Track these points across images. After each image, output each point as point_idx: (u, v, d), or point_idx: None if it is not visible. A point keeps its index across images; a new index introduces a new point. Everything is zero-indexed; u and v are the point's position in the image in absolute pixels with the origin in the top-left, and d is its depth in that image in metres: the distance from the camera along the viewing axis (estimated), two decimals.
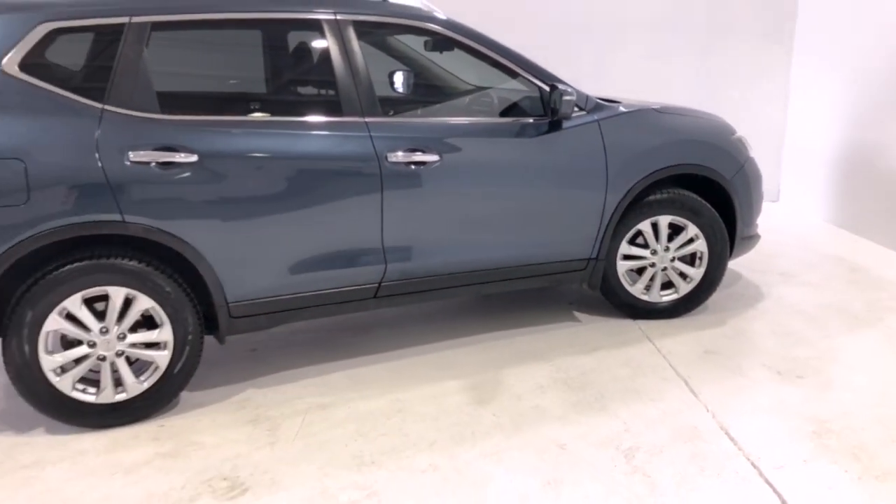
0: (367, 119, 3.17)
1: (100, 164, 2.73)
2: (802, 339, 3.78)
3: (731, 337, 3.82)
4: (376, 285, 3.31)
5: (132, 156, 2.78)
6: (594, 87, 4.91)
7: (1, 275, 2.69)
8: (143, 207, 2.81)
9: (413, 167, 3.22)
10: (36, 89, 2.72)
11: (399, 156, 3.18)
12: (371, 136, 3.15)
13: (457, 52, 3.49)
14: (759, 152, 6.35)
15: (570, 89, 3.44)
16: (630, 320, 4.00)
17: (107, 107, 2.79)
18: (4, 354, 2.80)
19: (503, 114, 3.71)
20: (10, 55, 2.70)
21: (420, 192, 3.25)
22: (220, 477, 2.63)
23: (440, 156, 3.26)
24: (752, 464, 2.67)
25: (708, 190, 3.96)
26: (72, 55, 2.87)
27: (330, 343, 3.78)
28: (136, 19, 2.87)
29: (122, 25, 2.86)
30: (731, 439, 2.84)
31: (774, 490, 2.51)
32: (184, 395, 3.17)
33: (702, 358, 3.56)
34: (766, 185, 6.55)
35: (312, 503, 2.47)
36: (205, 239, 2.93)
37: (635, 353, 3.61)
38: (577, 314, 4.13)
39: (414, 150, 3.21)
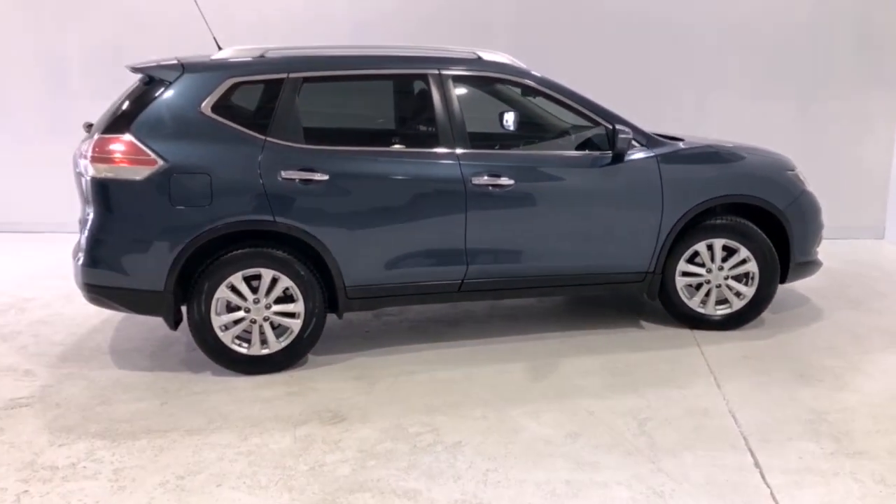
0: (457, 150, 4.07)
1: (261, 180, 3.81)
2: (838, 352, 4.22)
3: (774, 347, 4.31)
4: (459, 281, 4.17)
5: (283, 174, 3.84)
6: (695, 129, 5.58)
7: (190, 255, 3.81)
8: (289, 211, 3.85)
9: (491, 189, 4.07)
10: (221, 125, 3.85)
11: (481, 179, 4.05)
12: (460, 164, 4.05)
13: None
14: (864, 192, 6.68)
15: (626, 129, 4.16)
16: (688, 330, 4.58)
17: (268, 138, 3.87)
18: (188, 315, 3.92)
19: (578, 147, 4.45)
20: (206, 100, 3.85)
21: (496, 209, 4.10)
22: (326, 409, 3.58)
23: (514, 180, 4.09)
24: (744, 437, 3.25)
25: (763, 218, 4.49)
26: (246, 101, 3.99)
27: (427, 330, 4.67)
28: (291, 75, 3.96)
29: (281, 80, 3.95)
30: (734, 419, 3.42)
31: (753, 455, 3.09)
32: (310, 356, 4.17)
33: (738, 361, 4.11)
34: (870, 223, 6.84)
35: (388, 431, 3.35)
36: (331, 237, 3.93)
37: (680, 354, 4.22)
38: (643, 322, 4.76)
39: (492, 175, 4.07)
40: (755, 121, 6.88)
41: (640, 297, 5.05)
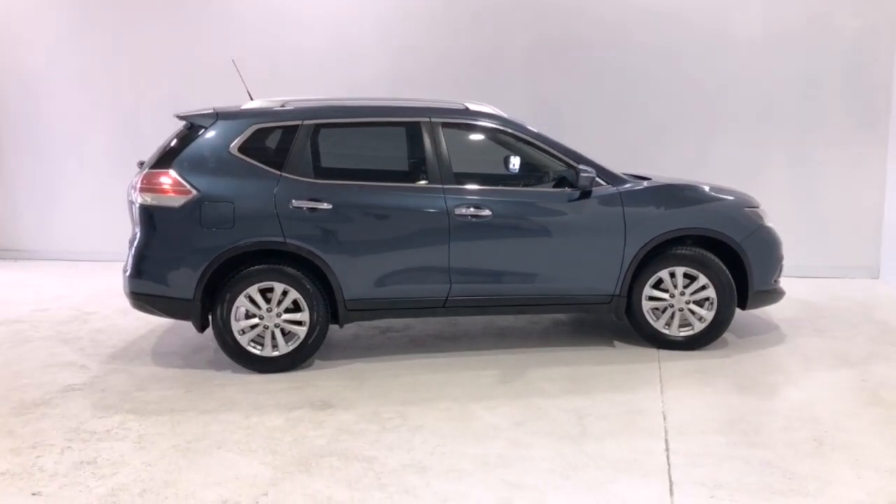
0: (444, 185, 4.77)
1: (275, 208, 4.58)
2: (783, 370, 4.67)
3: (726, 365, 4.78)
4: (444, 298, 4.82)
5: (294, 203, 4.60)
6: (695, 173, 6.16)
7: (215, 270, 4.58)
8: (297, 234, 4.60)
9: (471, 218, 4.73)
10: (245, 162, 4.65)
11: (462, 210, 4.73)
12: (445, 197, 4.74)
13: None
14: (857, 235, 7.07)
15: (590, 168, 4.78)
16: (654, 349, 5.08)
17: (283, 174, 4.65)
18: (213, 321, 4.68)
19: (553, 185, 5.06)
20: (234, 142, 4.67)
21: (476, 236, 4.75)
22: (318, 400, 4.25)
23: (492, 211, 4.75)
24: (665, 430, 3.76)
25: (725, 250, 5.00)
26: (267, 143, 4.78)
27: (424, 343, 5.31)
28: (305, 122, 4.76)
29: (297, 126, 4.75)
30: (664, 417, 3.93)
31: (666, 443, 3.60)
32: (316, 360, 4.87)
33: (688, 374, 4.60)
34: (865, 264, 7.18)
35: (365, 416, 3.99)
36: (333, 256, 4.65)
37: (640, 368, 4.74)
38: (615, 342, 5.29)
39: (473, 207, 4.74)
40: (752, 166, 7.36)
41: (609, 319, 5.60)
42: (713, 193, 5.16)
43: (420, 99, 5.11)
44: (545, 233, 4.86)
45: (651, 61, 7.48)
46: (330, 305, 4.75)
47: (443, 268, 4.77)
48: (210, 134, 4.70)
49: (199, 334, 5.41)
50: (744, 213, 5.09)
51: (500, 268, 4.84)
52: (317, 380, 4.60)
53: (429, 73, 7.81)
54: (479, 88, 7.42)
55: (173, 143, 4.83)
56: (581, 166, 4.81)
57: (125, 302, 6.46)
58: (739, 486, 3.17)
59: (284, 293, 4.65)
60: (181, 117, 4.94)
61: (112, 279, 7.59)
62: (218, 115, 4.76)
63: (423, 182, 4.81)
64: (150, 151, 8.31)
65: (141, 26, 8.31)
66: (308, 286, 4.65)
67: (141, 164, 5.15)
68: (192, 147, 4.68)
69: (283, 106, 4.87)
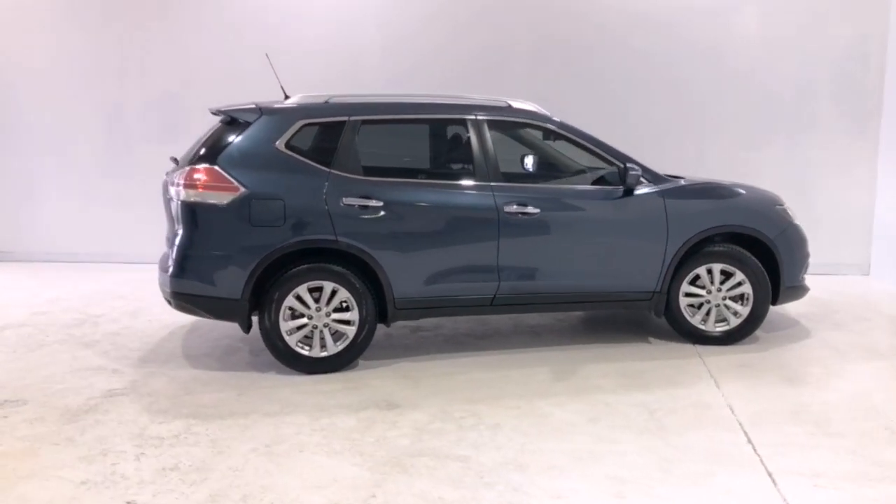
0: (491, 183, 4.75)
1: (326, 205, 4.48)
2: (822, 363, 4.82)
3: (766, 359, 4.91)
4: (492, 296, 4.80)
5: (344, 200, 4.51)
6: (695, 172, 6.26)
7: (263, 268, 4.45)
8: (348, 232, 4.51)
9: (520, 216, 4.73)
10: (293, 159, 4.54)
11: (511, 208, 4.72)
12: (494, 195, 4.72)
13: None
14: (849, 233, 7.34)
15: (636, 167, 4.84)
16: (690, 344, 5.18)
17: (332, 170, 4.56)
18: (260, 322, 4.54)
19: (594, 183, 5.12)
20: (280, 138, 4.55)
21: (524, 233, 4.75)
22: (381, 399, 4.18)
23: (539, 209, 4.76)
24: (738, 422, 3.84)
25: (756, 247, 5.13)
26: (312, 139, 4.67)
27: (459, 342, 5.28)
28: (352, 118, 4.67)
29: (343, 122, 4.66)
30: (731, 409, 4.01)
31: (746, 434, 3.68)
32: (360, 361, 4.78)
33: (735, 368, 4.71)
34: (856, 261, 7.47)
35: (436, 416, 3.94)
36: (383, 254, 4.57)
37: (684, 363, 4.83)
38: (650, 338, 5.37)
39: (521, 205, 4.74)
40: (747, 166, 7.57)
41: (647, 315, 5.69)
42: (747, 192, 5.29)
43: (462, 95, 5.07)
44: (591, 230, 4.90)
45: (651, 65, 7.64)
46: (378, 304, 4.68)
47: (491, 266, 4.75)
48: (254, 129, 4.57)
49: (224, 335, 5.33)
50: (776, 211, 5.24)
51: (548, 265, 4.86)
52: (369, 379, 4.52)
53: (428, 71, 7.77)
54: (479, 87, 7.39)
55: (214, 138, 4.68)
56: (628, 164, 4.86)
57: (129, 303, 6.34)
58: (836, 474, 3.26)
59: (333, 292, 4.56)
60: (219, 112, 4.78)
61: (102, 280, 7.37)
62: (262, 111, 4.63)
63: (471, 180, 4.79)
64: (138, 149, 8.17)
65: (130, 17, 8.01)
66: (357, 285, 4.57)
67: (175, 160, 4.98)
68: (237, 143, 4.53)
69: (326, 102, 4.76)
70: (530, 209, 4.75)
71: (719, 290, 5.13)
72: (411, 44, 7.78)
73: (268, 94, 7.70)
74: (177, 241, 4.52)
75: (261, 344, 4.79)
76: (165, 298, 4.73)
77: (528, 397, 4.21)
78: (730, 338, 5.17)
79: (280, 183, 4.50)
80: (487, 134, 4.83)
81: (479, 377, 4.57)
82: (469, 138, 4.81)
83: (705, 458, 3.43)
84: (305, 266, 4.51)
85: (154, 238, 8.19)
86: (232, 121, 4.69)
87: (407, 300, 4.69)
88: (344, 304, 4.59)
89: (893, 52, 7.33)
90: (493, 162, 4.81)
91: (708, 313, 5.16)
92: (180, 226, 4.51)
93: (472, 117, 4.85)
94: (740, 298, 5.15)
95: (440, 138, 5.08)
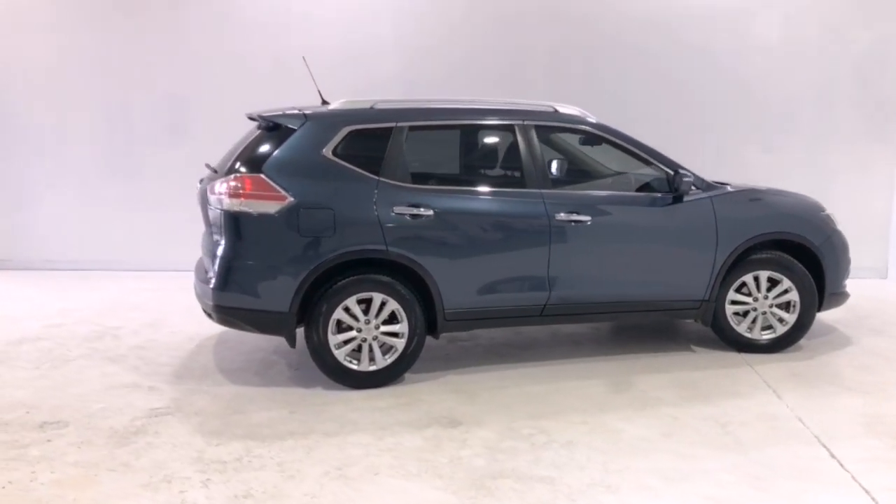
0: (542, 191, 4.63)
1: (376, 214, 4.32)
2: (874, 371, 4.78)
3: (817, 367, 4.86)
4: (542, 306, 4.68)
5: (395, 209, 4.35)
6: (716, 177, 6.17)
7: (313, 280, 4.28)
8: (399, 242, 4.35)
9: (572, 224, 4.62)
10: (341, 166, 4.37)
11: (562, 216, 4.60)
12: (544, 202, 4.60)
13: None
14: (867, 236, 7.34)
15: (688, 174, 4.76)
16: (735, 353, 5.11)
17: (380, 178, 4.40)
18: (307, 335, 4.36)
19: (639, 190, 5.04)
20: (327, 146, 4.38)
21: (576, 242, 4.64)
22: (441, 416, 4.03)
23: (590, 217, 4.65)
24: (815, 436, 3.76)
25: (801, 253, 5.08)
26: (360, 146, 4.49)
27: (500, 353, 5.15)
28: (399, 124, 4.51)
29: (391, 128, 4.50)
30: (801, 422, 3.94)
31: (827, 449, 3.60)
32: (405, 375, 4.62)
33: (789, 377, 4.64)
34: (874, 264, 7.48)
35: (504, 433, 3.81)
36: (434, 264, 4.42)
37: (736, 372, 4.75)
38: (693, 347, 5.29)
39: (572, 213, 4.62)
40: (769, 170, 7.55)
41: (677, 323, 5.62)
42: (793, 199, 5.24)
43: (507, 100, 4.94)
44: (641, 238, 4.80)
45: (675, 68, 7.57)
46: (426, 316, 4.53)
47: (542, 275, 4.63)
48: (300, 136, 4.39)
49: (255, 347, 5.19)
50: (821, 218, 5.20)
51: (598, 274, 4.75)
52: (420, 394, 4.37)
53: (445, 75, 7.62)
54: (498, 90, 7.28)
55: (257, 145, 4.49)
56: (680, 171, 4.78)
57: (146, 315, 6.10)
58: None
59: (382, 304, 4.40)
60: (261, 117, 4.60)
61: (108, 289, 7.11)
62: (307, 117, 4.46)
63: (521, 187, 4.66)
64: (141, 151, 7.89)
65: (134, 16, 7.73)
66: (407, 296, 4.41)
67: (211, 168, 4.78)
68: (283, 150, 4.35)
69: (372, 107, 4.60)
70: (581, 216, 4.63)
71: (766, 297, 5.06)
72: (425, 46, 7.62)
73: (278, 97, 7.51)
74: (219, 251, 4.33)
75: (298, 357, 4.62)
76: (205, 311, 4.53)
77: (592, 412, 4.09)
78: (776, 346, 5.11)
79: (329, 191, 4.32)
80: (536, 139, 4.71)
81: (533, 390, 4.44)
82: (518, 144, 4.68)
83: (794, 475, 3.34)
84: (355, 277, 4.35)
85: (159, 245, 8.00)
86: (274, 127, 4.51)
87: (456, 311, 4.55)
88: (393, 316, 4.43)
89: None
90: (542, 168, 4.69)
91: (754, 321, 5.10)
92: (223, 236, 4.32)
93: (520, 122, 4.72)
94: (786, 306, 5.09)
95: (488, 144, 4.94)
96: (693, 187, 4.86)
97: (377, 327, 4.41)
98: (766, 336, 5.11)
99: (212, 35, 7.72)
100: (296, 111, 4.53)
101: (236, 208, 4.25)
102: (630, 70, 7.59)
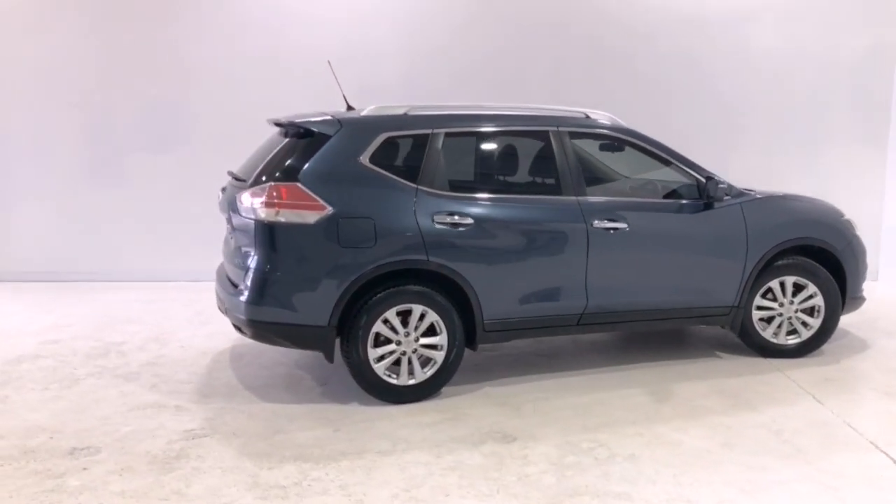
0: (577, 198, 4.57)
1: (417, 224, 4.19)
2: None
3: (845, 371, 4.91)
4: (580, 314, 4.61)
5: (436, 218, 4.23)
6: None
7: (353, 293, 4.12)
8: (440, 252, 4.23)
9: (609, 231, 4.56)
10: (379, 174, 4.22)
11: (599, 223, 4.54)
12: (581, 209, 4.54)
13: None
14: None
15: (723, 179, 4.75)
16: (761, 358, 5.12)
17: (419, 186, 4.27)
18: (345, 349, 4.20)
19: (665, 197, 5.01)
20: (364, 153, 4.23)
21: (613, 249, 4.58)
22: (493, 431, 3.92)
23: (627, 224, 4.60)
24: (871, 442, 3.77)
25: (822, 258, 5.12)
26: (396, 153, 4.37)
27: (529, 363, 5.05)
28: (435, 130, 4.39)
29: (427, 135, 4.38)
30: (852, 428, 3.95)
31: (889, 456, 3.61)
32: (443, 388, 4.49)
33: (823, 382, 4.66)
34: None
35: (563, 447, 3.71)
36: (474, 274, 4.31)
37: (770, 378, 4.75)
38: (718, 353, 5.29)
39: (609, 219, 4.57)
40: (765, 174, 7.62)
41: (704, 330, 5.62)
42: (815, 204, 5.29)
43: (538, 106, 4.86)
44: (676, 244, 4.77)
45: (674, 73, 7.61)
46: (465, 327, 4.41)
47: (580, 283, 4.56)
48: (336, 143, 4.23)
49: (275, 361, 5.08)
50: (842, 223, 5.25)
51: (635, 281, 4.70)
52: (463, 408, 4.25)
53: (444, 77, 7.52)
54: (498, 94, 7.21)
55: (287, 152, 4.31)
56: (714, 177, 4.77)
57: (146, 329, 5.86)
58: None
59: (421, 315, 4.27)
60: (290, 124, 4.43)
61: (97, 302, 6.82)
62: (341, 123, 4.30)
63: (558, 194, 4.58)
64: (127, 158, 7.56)
65: (121, 18, 7.43)
66: (447, 307, 4.30)
67: (234, 175, 4.59)
68: (319, 158, 4.18)
69: (405, 114, 4.46)
70: (617, 224, 4.58)
71: (791, 302, 5.09)
72: (424, 48, 7.50)
73: (271, 102, 7.33)
74: (252, 263, 4.14)
75: (323, 371, 4.48)
76: (235, 325, 4.33)
77: (643, 423, 4.03)
78: (801, 350, 5.14)
79: (368, 200, 4.17)
80: (571, 146, 4.64)
81: (577, 401, 4.36)
82: (553, 150, 4.61)
83: (867, 483, 3.33)
84: (395, 288, 4.20)
85: (146, 254, 7.68)
86: (306, 134, 4.34)
87: (496, 322, 4.44)
88: (432, 328, 4.31)
89: None
90: (578, 175, 4.63)
91: (779, 326, 5.12)
92: (257, 247, 4.13)
93: (555, 129, 4.65)
94: (810, 311, 5.13)
95: (524, 151, 4.85)
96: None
97: (417, 340, 4.28)
98: (792, 341, 5.14)
99: (202, 38, 7.45)
100: (329, 117, 4.37)
101: (272, 218, 4.07)
102: (632, 73, 7.58)
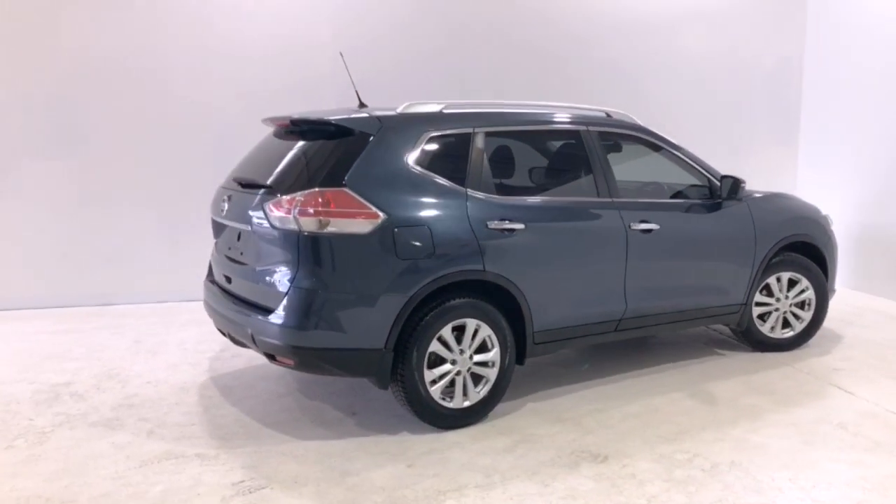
0: (614, 199, 4.41)
1: (472, 231, 3.83)
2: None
3: (846, 359, 5.12)
4: (618, 320, 4.46)
5: (489, 224, 3.89)
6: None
7: (411, 310, 3.68)
8: (496, 260, 3.89)
9: (644, 233, 4.45)
10: (428, 177, 3.81)
11: (635, 225, 4.42)
12: (619, 211, 4.39)
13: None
14: None
15: (743, 180, 4.79)
16: (758, 353, 5.24)
17: (468, 190, 3.91)
18: (398, 373, 3.73)
19: (672, 197, 4.99)
20: (410, 153, 3.81)
21: (648, 251, 4.47)
22: (578, 450, 3.65)
23: (659, 225, 4.52)
24: None
25: (808, 253, 5.33)
26: (440, 154, 3.95)
27: (557, 374, 4.82)
28: (476, 129, 4.06)
29: (469, 133, 4.03)
30: None
31: None
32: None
33: (834, 373, 4.84)
34: None
35: (661, 462, 3.52)
36: (527, 283, 4.02)
37: (785, 372, 4.86)
38: (717, 350, 5.35)
39: (643, 221, 4.46)
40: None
41: (697, 329, 5.69)
42: (801, 202, 5.50)
43: (562, 105, 4.65)
44: (700, 245, 4.76)
45: (605, 77, 7.71)
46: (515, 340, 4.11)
47: (620, 287, 4.41)
48: (379, 143, 3.77)
49: (273, 392, 4.57)
50: (823, 219, 5.50)
51: (667, 283, 4.63)
52: (524, 428, 3.94)
53: (376, 75, 7.12)
54: (448, 91, 6.94)
55: (320, 154, 3.80)
56: (735, 177, 4.80)
57: (91, 365, 5.15)
58: None
59: (475, 331, 3.92)
60: (320, 122, 3.92)
61: (5, 338, 5.69)
62: (381, 121, 3.85)
63: (594, 195, 4.40)
64: (19, 163, 6.41)
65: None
66: (500, 320, 3.98)
67: (245, 181, 4.00)
68: (364, 159, 3.71)
69: (441, 110, 4.09)
70: (651, 224, 4.49)
71: (787, 297, 5.26)
72: (370, 45, 7.05)
73: (191, 101, 6.60)
74: (292, 281, 3.58)
75: (343, 398, 4.09)
76: (268, 354, 3.72)
77: (714, 427, 3.94)
78: (794, 343, 5.32)
79: (421, 206, 3.75)
80: (601, 146, 4.49)
81: (630, 411, 4.19)
82: (587, 150, 4.42)
83: None
84: (451, 302, 3.81)
85: (37, 277, 6.54)
86: (339, 133, 3.84)
87: (545, 333, 4.18)
88: (482, 344, 3.96)
89: (808, 72, 8.17)
90: (612, 175, 4.48)
91: (776, 321, 5.27)
92: (300, 263, 3.58)
93: (584, 128, 4.47)
94: (801, 304, 5.33)
95: (562, 150, 4.61)
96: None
97: (471, 357, 3.91)
98: (787, 335, 5.31)
99: (106, 26, 6.51)
100: (364, 114, 3.90)
101: (319, 229, 3.54)
102: (560, 79, 7.54)
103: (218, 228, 4.40)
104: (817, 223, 5.40)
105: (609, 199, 4.40)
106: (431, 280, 3.71)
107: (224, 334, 4.23)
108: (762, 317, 5.25)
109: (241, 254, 4.00)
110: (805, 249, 5.32)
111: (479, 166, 4.00)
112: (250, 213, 3.81)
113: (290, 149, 3.98)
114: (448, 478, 3.35)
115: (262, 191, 3.82)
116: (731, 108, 8.12)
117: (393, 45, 7.09)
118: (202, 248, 6.66)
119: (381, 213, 3.61)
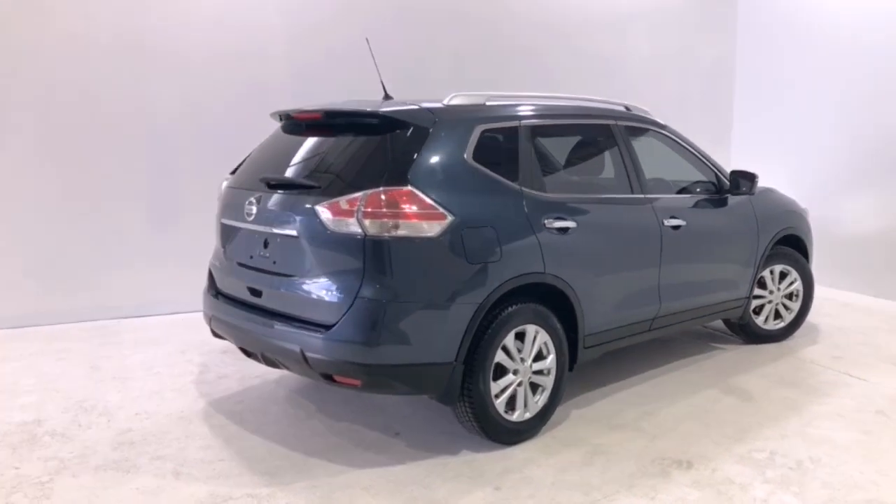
0: (645, 195, 4.31)
1: (532, 231, 3.58)
2: (882, 347, 5.35)
3: (836, 347, 5.29)
4: (652, 318, 4.35)
5: (546, 224, 3.66)
6: None
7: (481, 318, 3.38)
8: (555, 262, 3.66)
9: (675, 229, 4.38)
10: (485, 174, 3.52)
11: (668, 221, 4.34)
12: (653, 207, 4.29)
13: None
14: None
15: (755, 174, 4.83)
16: (753, 345, 5.33)
17: (523, 187, 3.66)
18: (467, 386, 3.41)
19: (679, 192, 4.95)
20: (467, 149, 3.50)
21: (678, 248, 4.40)
22: (657, 458, 3.49)
23: (686, 221, 4.46)
24: None
25: (791, 245, 5.48)
26: (491, 149, 3.65)
27: (576, 374, 4.65)
28: (523, 123, 3.81)
29: (516, 128, 3.77)
30: None
31: None
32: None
33: (838, 361, 4.98)
34: None
35: (745, 463, 3.43)
36: (580, 284, 3.82)
37: (794, 362, 4.95)
38: (716, 345, 5.39)
39: (673, 217, 4.39)
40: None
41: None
42: (783, 196, 5.64)
43: (587, 97, 4.46)
44: (719, 240, 4.78)
45: (559, 73, 7.65)
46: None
47: (655, 285, 4.31)
48: (436, 138, 3.44)
49: (283, 412, 4.14)
50: (803, 211, 5.67)
51: (693, 279, 4.58)
52: (584, 438, 3.73)
53: (343, 72, 6.71)
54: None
55: (368, 150, 3.43)
56: (750, 172, 4.82)
57: (61, 397, 4.60)
58: None
59: (534, 337, 3.68)
60: (374, 114, 3.54)
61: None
62: (434, 113, 3.52)
63: (629, 192, 4.27)
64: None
65: None
66: (557, 325, 3.76)
67: (275, 182, 3.55)
68: (424, 155, 3.36)
69: (484, 103, 3.80)
70: (679, 221, 4.42)
71: (779, 289, 5.39)
72: (320, 42, 6.60)
73: (122, 90, 5.91)
74: (352, 292, 3.19)
75: (370, 416, 3.76)
76: (325, 375, 3.29)
77: (772, 424, 3.90)
78: (785, 334, 5.45)
79: (484, 205, 3.46)
80: (630, 140, 4.38)
81: (679, 412, 4.07)
82: (619, 146, 4.29)
83: None
84: (513, 308, 3.54)
85: None
86: (388, 127, 3.47)
87: (594, 336, 4.00)
88: (539, 351, 3.73)
89: (740, 72, 8.52)
90: (643, 172, 4.37)
91: (769, 313, 5.39)
92: (366, 271, 3.19)
93: (613, 123, 4.34)
94: (790, 296, 5.47)
95: (598, 146, 4.43)
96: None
97: (530, 366, 3.67)
98: (778, 325, 5.44)
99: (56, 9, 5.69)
100: (414, 106, 3.55)
101: (387, 233, 3.17)
102: (516, 71, 7.41)
103: (229, 235, 3.89)
104: (801, 216, 5.57)
105: (642, 196, 4.29)
106: (500, 284, 3.43)
107: (248, 354, 3.74)
108: (755, 309, 5.34)
109: (274, 262, 3.53)
110: (790, 242, 5.47)
111: (528, 161, 3.76)
112: (294, 216, 3.37)
113: (322, 145, 3.58)
114: (546, 499, 3.09)
115: (303, 191, 3.38)
116: (671, 106, 8.25)
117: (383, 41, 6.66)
118: (138, 262, 6.01)
119: (448, 214, 3.28)
